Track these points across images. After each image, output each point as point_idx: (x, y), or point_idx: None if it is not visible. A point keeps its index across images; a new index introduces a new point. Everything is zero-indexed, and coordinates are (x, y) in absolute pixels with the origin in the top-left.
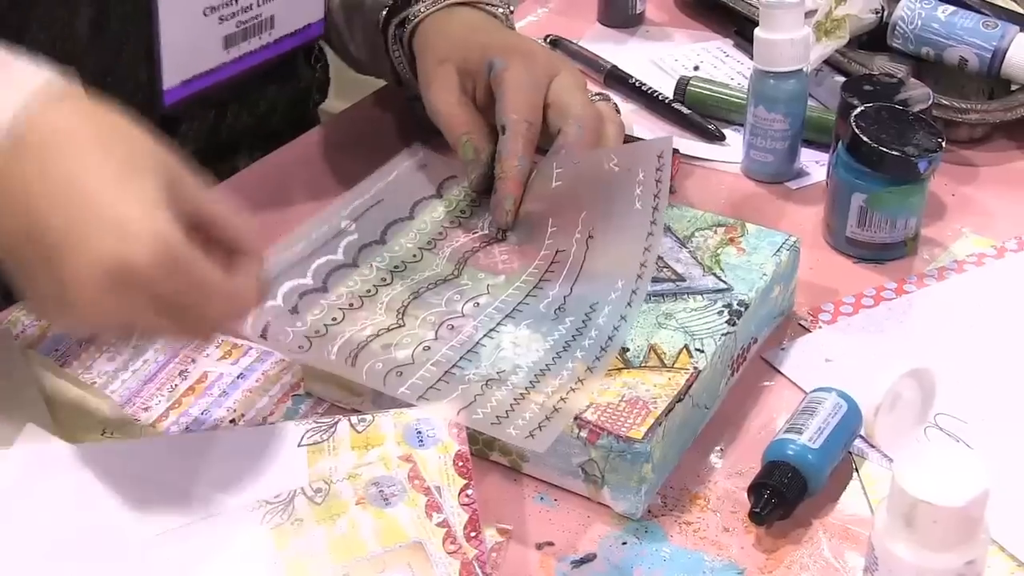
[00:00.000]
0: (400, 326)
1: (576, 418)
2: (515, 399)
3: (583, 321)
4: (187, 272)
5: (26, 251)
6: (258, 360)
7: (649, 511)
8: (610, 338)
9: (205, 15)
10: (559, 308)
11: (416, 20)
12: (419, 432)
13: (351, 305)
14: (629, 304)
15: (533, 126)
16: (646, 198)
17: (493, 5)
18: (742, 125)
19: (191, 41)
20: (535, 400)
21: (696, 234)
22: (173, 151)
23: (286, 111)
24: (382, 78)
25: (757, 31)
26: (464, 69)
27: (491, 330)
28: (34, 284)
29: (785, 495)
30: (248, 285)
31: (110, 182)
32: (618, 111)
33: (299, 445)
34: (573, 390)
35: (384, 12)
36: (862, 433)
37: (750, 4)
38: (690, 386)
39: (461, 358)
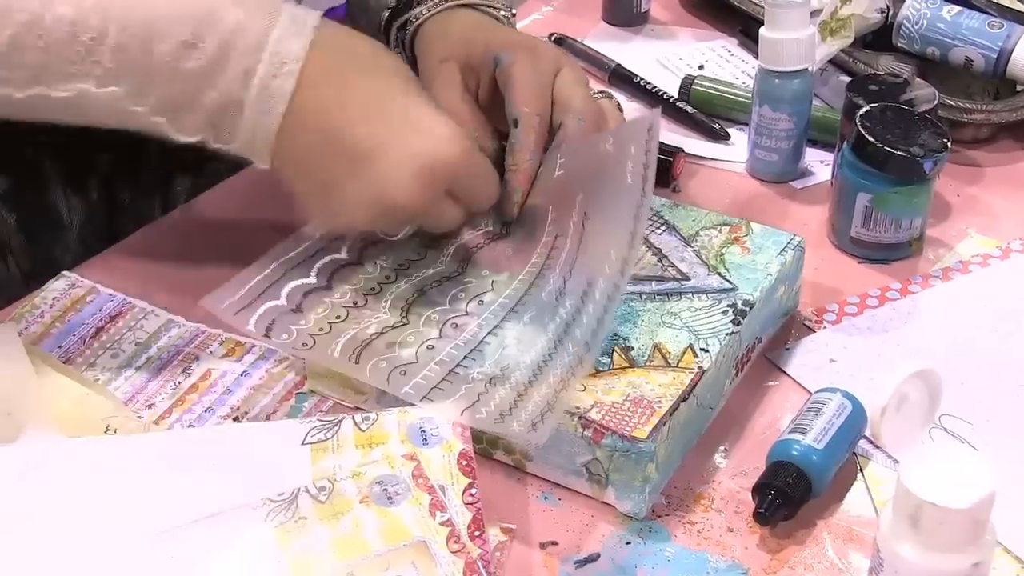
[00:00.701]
0: (404, 324)
1: (580, 417)
2: (518, 395)
3: (581, 300)
4: (477, 163)
5: (327, 164)
6: (261, 358)
7: (653, 511)
8: (605, 310)
9: None
10: (560, 294)
11: (418, 22)
12: (423, 431)
13: (355, 303)
14: (621, 273)
15: (544, 119)
16: (636, 170)
17: (495, 8)
18: (746, 124)
19: None
20: (537, 393)
21: (701, 233)
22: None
23: None
24: None
25: (762, 30)
26: (467, 66)
27: (495, 328)
28: (338, 193)
29: (789, 496)
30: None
31: (400, 95)
32: (620, 109)
33: (303, 443)
34: (573, 373)
35: (386, 14)
36: (867, 434)
37: (754, 3)
38: (695, 386)
39: (465, 357)
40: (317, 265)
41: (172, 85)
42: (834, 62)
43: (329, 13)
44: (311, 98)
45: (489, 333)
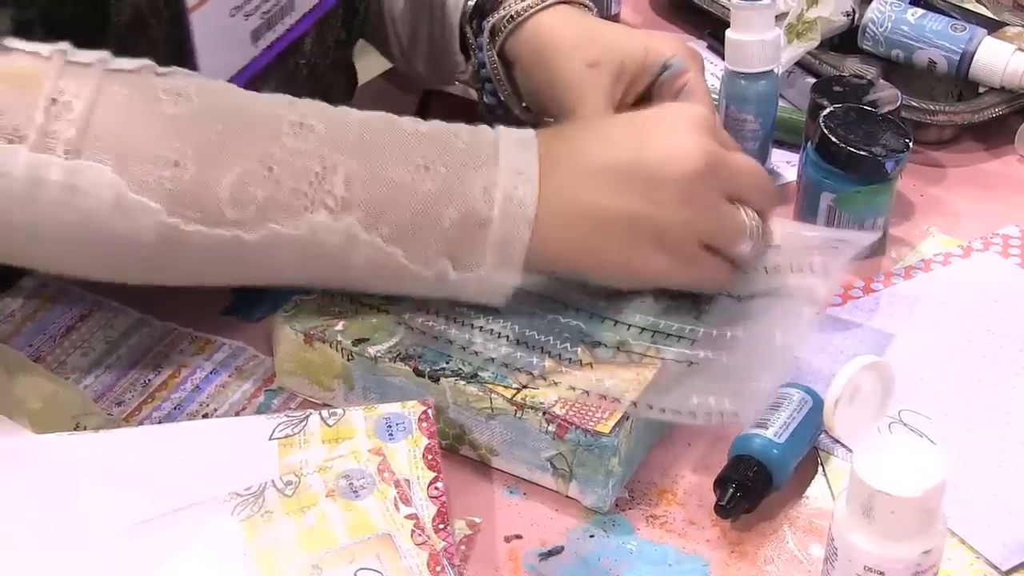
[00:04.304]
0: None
1: (545, 412)
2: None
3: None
4: (728, 162)
5: (605, 230)
6: (231, 356)
7: (616, 505)
8: (581, 333)
9: (231, 16)
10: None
11: (521, 19)
12: (389, 426)
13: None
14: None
15: None
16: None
17: (587, 7)
18: None
19: (222, 44)
20: (504, 395)
21: None
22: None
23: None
24: (439, 84)
25: (728, 32)
26: (621, 71)
27: (463, 323)
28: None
29: (750, 489)
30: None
31: (626, 129)
32: None
33: (270, 438)
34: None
35: (465, 13)
36: None
37: (723, 6)
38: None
39: (432, 351)
40: None
41: (408, 210)
42: (801, 64)
43: (322, 3)
44: (552, 194)
45: (455, 329)
